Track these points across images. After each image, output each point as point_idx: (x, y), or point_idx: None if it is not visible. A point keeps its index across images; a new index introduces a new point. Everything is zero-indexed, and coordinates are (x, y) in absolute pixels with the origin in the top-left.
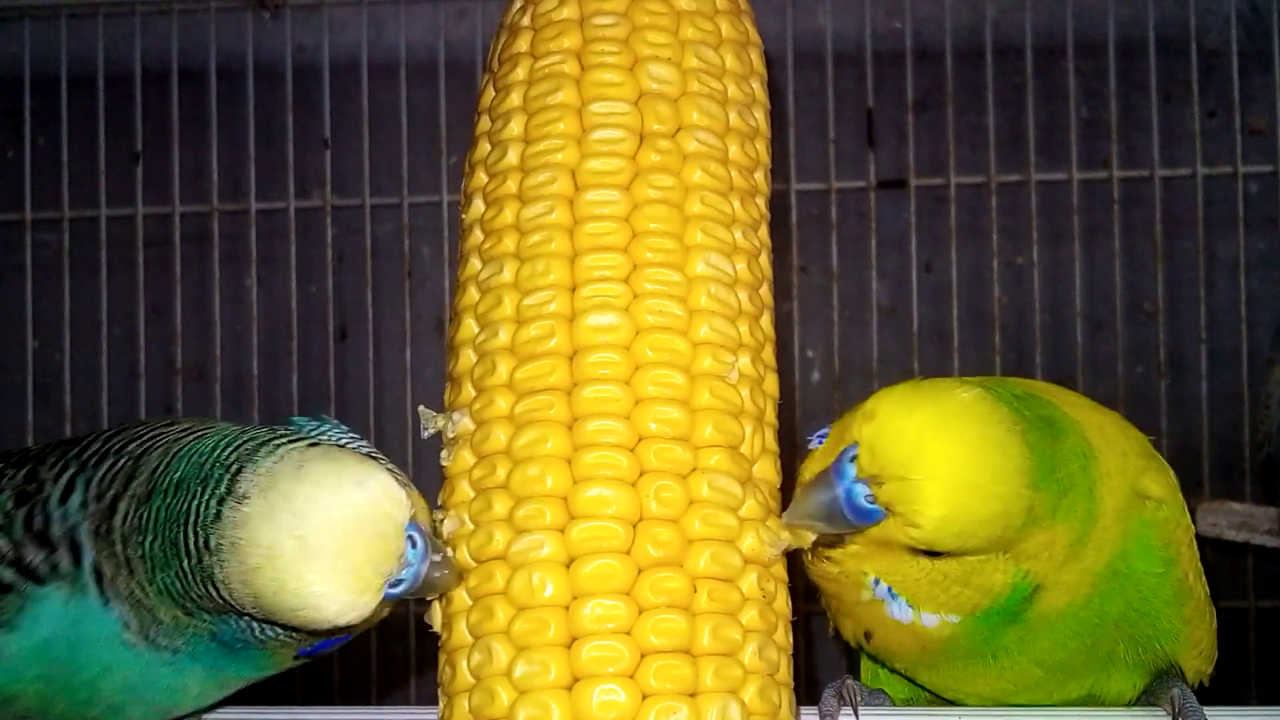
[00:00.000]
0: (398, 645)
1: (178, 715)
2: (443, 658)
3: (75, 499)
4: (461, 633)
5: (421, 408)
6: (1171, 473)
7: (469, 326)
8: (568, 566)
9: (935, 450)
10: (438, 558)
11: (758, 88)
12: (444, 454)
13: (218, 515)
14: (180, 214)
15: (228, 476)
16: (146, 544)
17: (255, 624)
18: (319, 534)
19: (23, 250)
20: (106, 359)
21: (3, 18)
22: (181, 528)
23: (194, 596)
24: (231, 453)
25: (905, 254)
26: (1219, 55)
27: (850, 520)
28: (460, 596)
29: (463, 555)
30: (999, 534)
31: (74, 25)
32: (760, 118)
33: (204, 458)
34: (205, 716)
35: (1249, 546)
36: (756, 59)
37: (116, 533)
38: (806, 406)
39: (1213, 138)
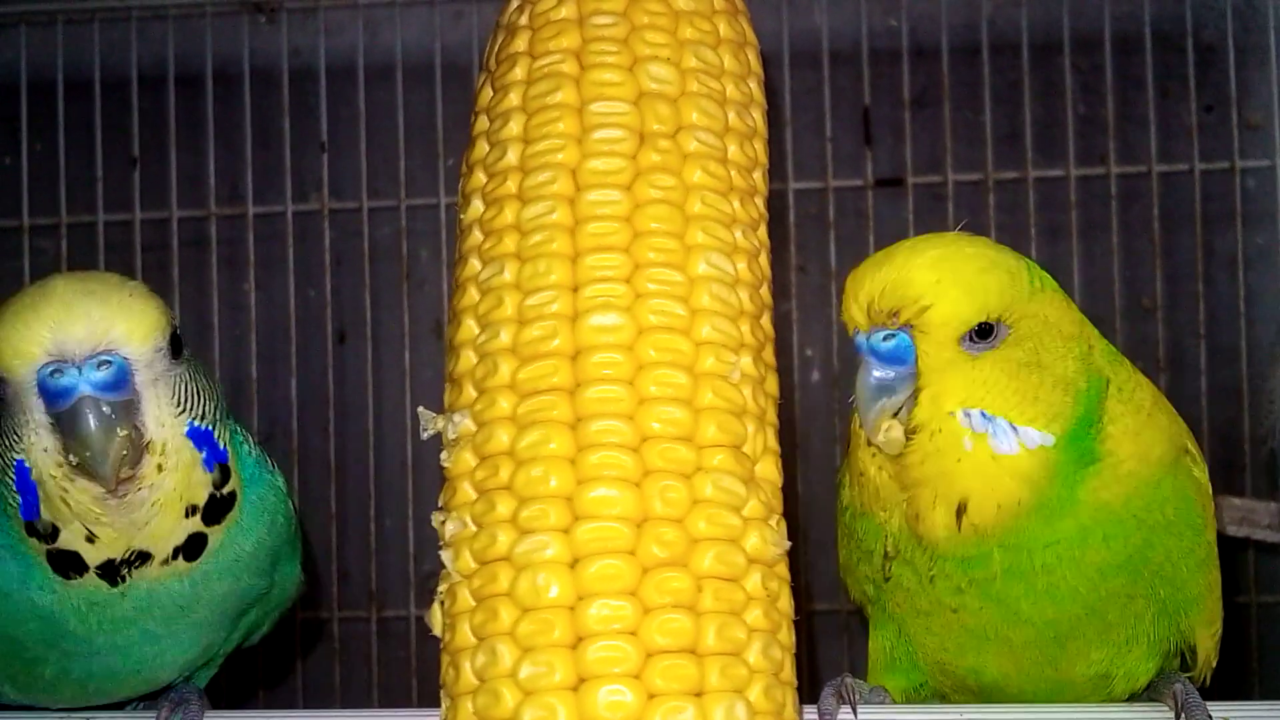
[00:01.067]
0: (399, 649)
1: (136, 677)
2: (445, 659)
3: None
4: (465, 634)
5: (421, 409)
6: (1205, 465)
7: (469, 327)
8: (572, 567)
9: (911, 248)
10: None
11: (755, 87)
12: (444, 455)
13: None
14: (178, 218)
15: None
16: None
17: None
18: (59, 284)
19: (21, 257)
20: None
21: None
22: None
23: None
24: None
25: None
26: (1215, 50)
27: (890, 376)
28: (464, 597)
29: (465, 557)
30: (1006, 283)
31: (70, 31)
32: (758, 117)
33: None
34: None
35: (1249, 541)
36: (753, 59)
37: None
38: (806, 406)
39: (1210, 133)
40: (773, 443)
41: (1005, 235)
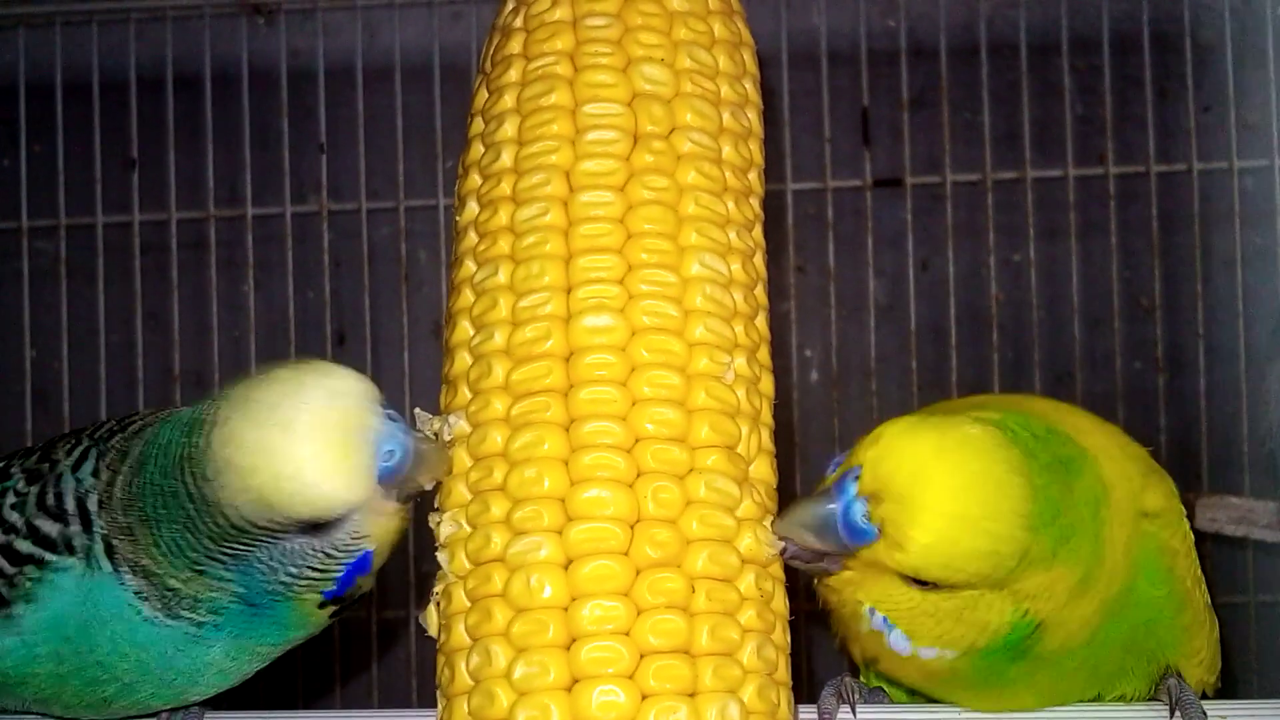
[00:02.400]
0: (399, 649)
1: (197, 694)
2: (441, 660)
3: (87, 467)
4: (460, 634)
5: (417, 410)
6: (1170, 481)
7: (464, 329)
8: (566, 568)
9: (933, 477)
10: (420, 434)
11: (750, 88)
12: None
13: (207, 444)
14: (177, 220)
15: (207, 418)
16: (147, 506)
17: (277, 558)
18: (300, 417)
19: (19, 258)
20: (104, 366)
21: None
22: (177, 476)
23: (204, 544)
24: (208, 405)
25: (902, 252)
26: (1213, 50)
27: (843, 537)
28: (459, 598)
29: (460, 558)
30: (988, 571)
31: (69, 33)
32: (753, 118)
33: (185, 417)
34: (208, 715)
35: (1248, 541)
36: (749, 60)
37: (117, 502)
38: (805, 406)
39: (1208, 133)
40: (768, 443)
41: (1004, 235)
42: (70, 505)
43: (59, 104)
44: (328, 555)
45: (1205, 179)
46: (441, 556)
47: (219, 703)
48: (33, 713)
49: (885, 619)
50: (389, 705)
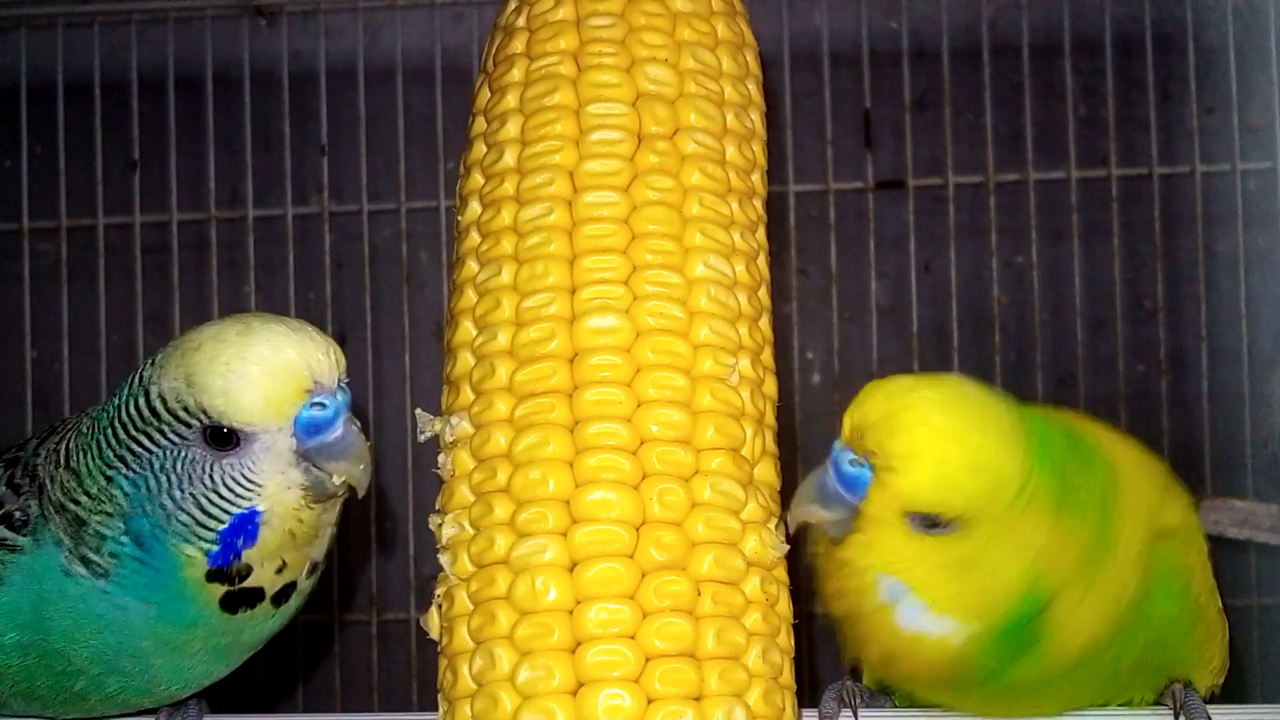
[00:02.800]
0: (400, 652)
1: (164, 690)
2: (443, 663)
3: (45, 449)
4: (463, 638)
5: (419, 411)
6: (1187, 497)
7: (466, 329)
8: (570, 570)
9: (920, 404)
10: (358, 426)
11: (753, 89)
12: (441, 458)
13: (165, 349)
14: (178, 222)
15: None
16: (85, 425)
17: (169, 469)
18: (260, 333)
19: (20, 260)
20: (105, 368)
21: None
22: (124, 387)
23: (118, 435)
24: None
25: (904, 254)
26: (1216, 52)
27: (840, 492)
28: (461, 601)
29: (463, 561)
30: (985, 491)
31: (70, 34)
32: (756, 119)
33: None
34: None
35: (1251, 544)
36: (752, 61)
37: (65, 444)
38: (807, 408)
39: (1211, 134)
40: (771, 445)
41: (1006, 237)
42: (28, 484)
43: (60, 105)
44: (216, 490)
45: (1208, 181)
46: (444, 559)
47: (219, 706)
48: (35, 714)
49: (895, 585)
50: (390, 709)
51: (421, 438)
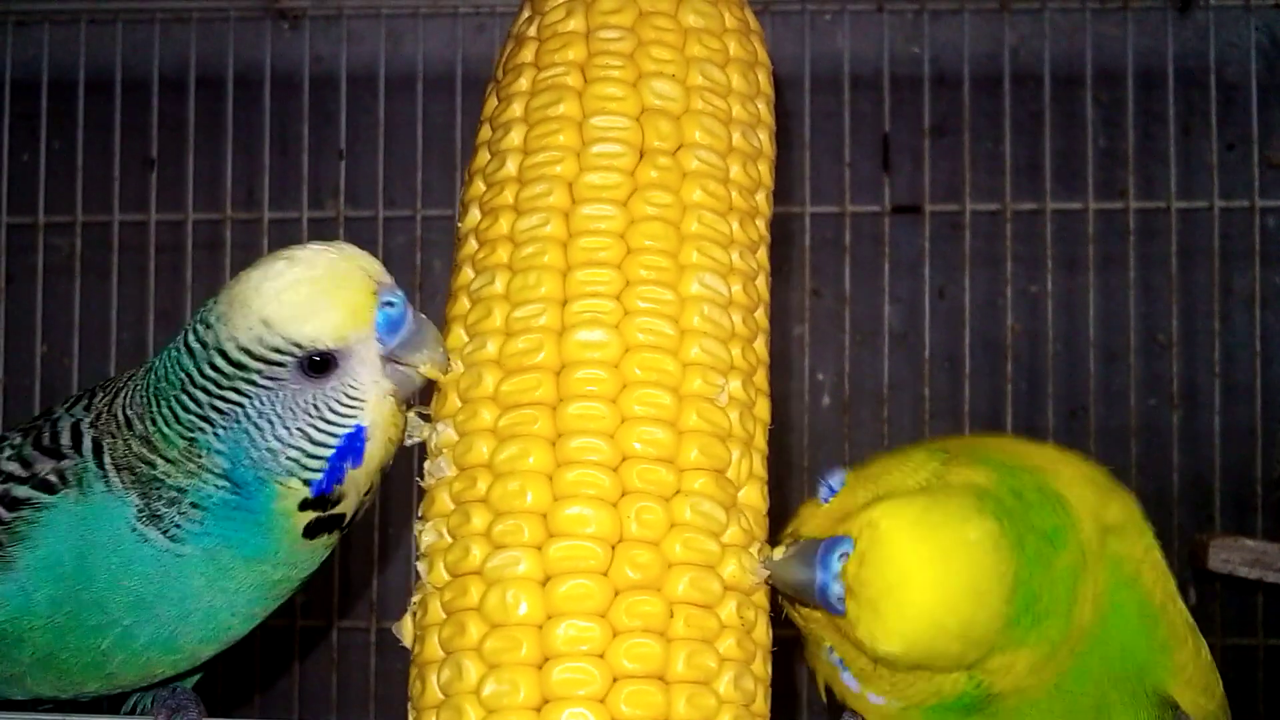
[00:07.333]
0: (397, 660)
1: (189, 640)
2: (414, 671)
3: (80, 405)
4: (433, 647)
5: (412, 414)
6: (1130, 497)
7: (458, 336)
8: (543, 585)
9: (916, 586)
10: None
11: (763, 109)
12: (426, 464)
13: (216, 299)
14: (193, 221)
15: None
16: (150, 389)
17: (268, 414)
18: (308, 257)
19: (34, 253)
20: (115, 364)
21: (22, 22)
22: (182, 343)
23: (199, 398)
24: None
25: (919, 279)
26: (1238, 89)
27: (818, 603)
28: (435, 609)
29: (439, 569)
30: (952, 668)
31: (93, 31)
32: (764, 139)
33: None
34: None
35: (1260, 584)
36: (764, 80)
37: (118, 407)
38: (816, 430)
39: (1231, 171)
40: (759, 469)
41: (1022, 266)
42: (66, 439)
43: (80, 101)
44: (322, 416)
45: (1226, 217)
46: (421, 566)
47: (214, 709)
48: (41, 708)
49: (841, 660)
50: (385, 717)
51: (409, 441)
